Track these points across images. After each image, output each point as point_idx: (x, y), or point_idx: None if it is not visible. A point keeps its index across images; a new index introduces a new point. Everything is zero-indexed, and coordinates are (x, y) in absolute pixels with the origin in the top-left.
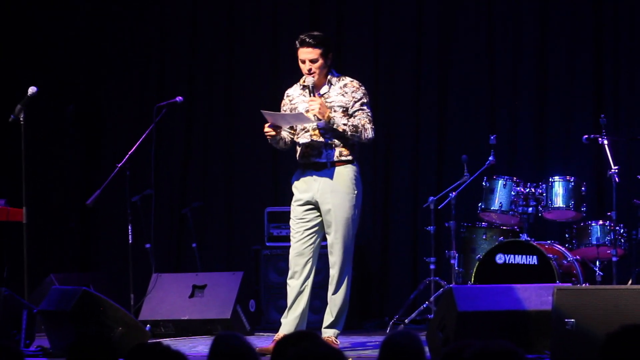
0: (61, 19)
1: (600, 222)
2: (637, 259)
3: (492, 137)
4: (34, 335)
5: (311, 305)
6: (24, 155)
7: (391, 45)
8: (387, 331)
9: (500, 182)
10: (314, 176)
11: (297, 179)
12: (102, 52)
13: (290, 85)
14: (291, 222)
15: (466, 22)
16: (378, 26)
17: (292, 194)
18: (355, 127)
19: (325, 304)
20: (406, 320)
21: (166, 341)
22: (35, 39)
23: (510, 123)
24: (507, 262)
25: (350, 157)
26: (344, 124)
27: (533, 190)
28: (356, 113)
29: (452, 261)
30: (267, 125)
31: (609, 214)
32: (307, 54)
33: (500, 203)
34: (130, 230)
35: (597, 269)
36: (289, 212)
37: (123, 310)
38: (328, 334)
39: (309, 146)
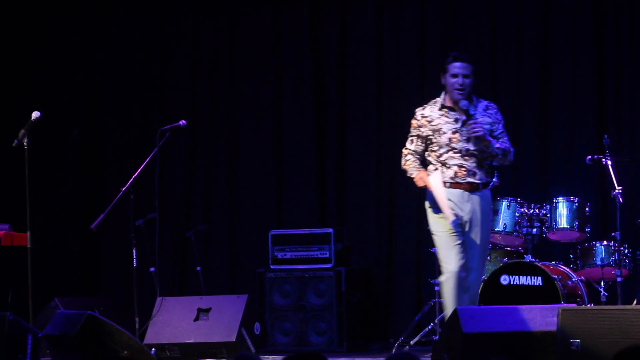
0: (64, 44)
1: (605, 242)
2: None
3: None
4: (39, 359)
5: (316, 327)
6: (28, 179)
7: (393, 65)
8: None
9: (504, 203)
10: (466, 197)
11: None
12: (104, 77)
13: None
14: (442, 234)
15: (468, 45)
16: (380, 45)
17: (295, 217)
18: (504, 150)
19: (330, 327)
20: (411, 342)
21: None
22: (38, 64)
23: (514, 144)
24: (511, 283)
25: (489, 180)
26: (497, 147)
27: (537, 211)
28: (500, 135)
29: None
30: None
31: (613, 234)
32: (462, 69)
33: (505, 224)
34: (134, 254)
35: (601, 290)
36: (293, 235)
37: (128, 334)
38: None
39: (462, 167)
